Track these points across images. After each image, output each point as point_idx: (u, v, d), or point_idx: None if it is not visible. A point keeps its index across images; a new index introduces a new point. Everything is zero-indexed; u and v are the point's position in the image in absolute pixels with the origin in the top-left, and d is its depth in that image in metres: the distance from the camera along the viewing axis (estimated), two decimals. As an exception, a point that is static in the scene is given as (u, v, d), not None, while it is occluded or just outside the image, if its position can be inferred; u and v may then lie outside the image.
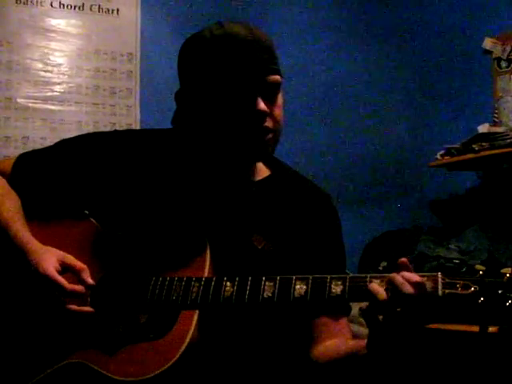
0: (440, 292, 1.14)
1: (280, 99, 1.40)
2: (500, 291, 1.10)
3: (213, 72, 1.34)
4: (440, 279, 1.15)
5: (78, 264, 1.34)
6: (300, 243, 1.43)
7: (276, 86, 1.38)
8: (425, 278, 1.16)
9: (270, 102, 1.37)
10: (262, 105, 1.34)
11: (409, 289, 1.14)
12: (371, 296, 1.16)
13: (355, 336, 1.47)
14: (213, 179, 1.44)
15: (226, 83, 1.34)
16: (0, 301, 1.40)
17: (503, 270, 1.12)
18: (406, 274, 1.16)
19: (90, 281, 1.33)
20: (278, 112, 1.39)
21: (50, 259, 1.33)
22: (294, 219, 1.45)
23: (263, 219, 1.42)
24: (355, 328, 2.44)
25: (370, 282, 1.18)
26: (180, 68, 1.42)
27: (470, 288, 1.13)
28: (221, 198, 1.43)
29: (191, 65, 1.39)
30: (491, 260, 2.71)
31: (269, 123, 1.36)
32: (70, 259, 1.35)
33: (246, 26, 1.37)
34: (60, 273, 1.32)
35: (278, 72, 1.38)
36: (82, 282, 1.32)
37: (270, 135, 1.37)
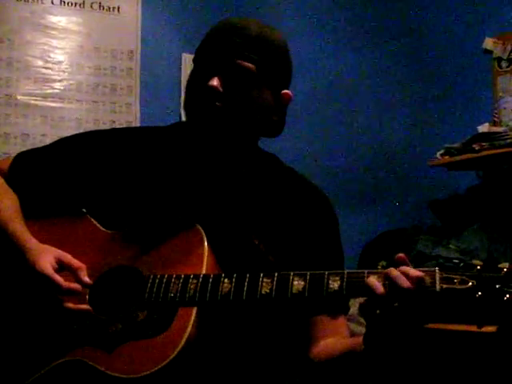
0: (438, 287, 1.13)
1: (255, 92, 1.38)
2: (497, 286, 1.10)
3: (197, 53, 1.42)
4: (438, 274, 1.15)
5: (75, 262, 1.34)
6: (297, 242, 1.43)
7: (244, 72, 1.37)
8: (422, 273, 1.16)
9: (235, 87, 1.36)
10: (213, 81, 1.34)
11: (405, 282, 1.13)
12: (369, 290, 1.16)
13: (354, 335, 1.46)
14: (210, 175, 1.44)
15: (197, 63, 1.40)
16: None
17: (501, 265, 1.12)
18: (404, 268, 1.16)
19: (87, 279, 1.33)
20: (246, 103, 1.37)
21: (46, 257, 1.33)
22: (291, 218, 1.44)
23: (260, 217, 1.42)
24: (354, 327, 2.45)
25: (368, 277, 1.18)
26: None
27: (468, 283, 1.12)
28: (218, 196, 1.43)
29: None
30: (490, 260, 2.71)
31: (221, 103, 1.35)
32: (67, 258, 1.35)
33: (249, 19, 1.41)
34: (57, 271, 1.32)
35: (249, 59, 1.36)
36: (78, 280, 1.33)
37: (221, 114, 1.36)
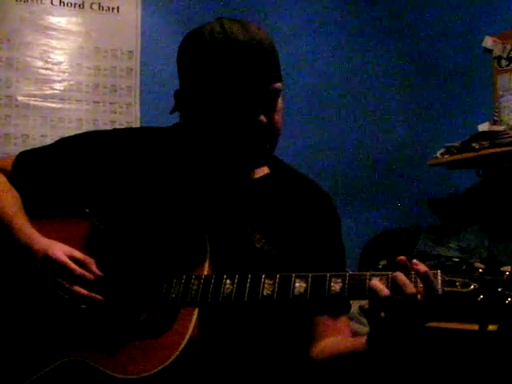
0: (440, 290, 1.14)
1: (279, 104, 1.38)
2: (499, 289, 1.10)
3: (213, 79, 1.32)
4: (439, 277, 1.15)
5: (86, 257, 1.35)
6: (299, 241, 1.43)
7: (277, 93, 1.36)
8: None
9: (271, 110, 1.35)
10: (262, 117, 1.33)
11: (412, 289, 1.14)
12: (372, 293, 1.16)
13: (355, 334, 1.46)
14: (212, 177, 1.44)
15: (226, 92, 1.32)
16: (1, 296, 1.41)
17: (503, 268, 1.12)
18: (415, 262, 1.17)
19: (99, 272, 1.34)
20: (277, 117, 1.38)
21: (59, 248, 1.35)
22: (293, 217, 1.44)
23: (262, 218, 1.42)
24: (355, 326, 2.45)
25: (370, 279, 1.18)
26: (180, 67, 1.40)
27: (470, 286, 1.13)
28: (220, 196, 1.43)
29: (191, 67, 1.36)
30: (491, 259, 2.71)
31: (268, 133, 1.36)
32: (78, 253, 1.36)
33: (247, 27, 1.34)
34: None
35: (279, 79, 1.36)
36: (90, 272, 1.33)
37: (269, 144, 1.38)
